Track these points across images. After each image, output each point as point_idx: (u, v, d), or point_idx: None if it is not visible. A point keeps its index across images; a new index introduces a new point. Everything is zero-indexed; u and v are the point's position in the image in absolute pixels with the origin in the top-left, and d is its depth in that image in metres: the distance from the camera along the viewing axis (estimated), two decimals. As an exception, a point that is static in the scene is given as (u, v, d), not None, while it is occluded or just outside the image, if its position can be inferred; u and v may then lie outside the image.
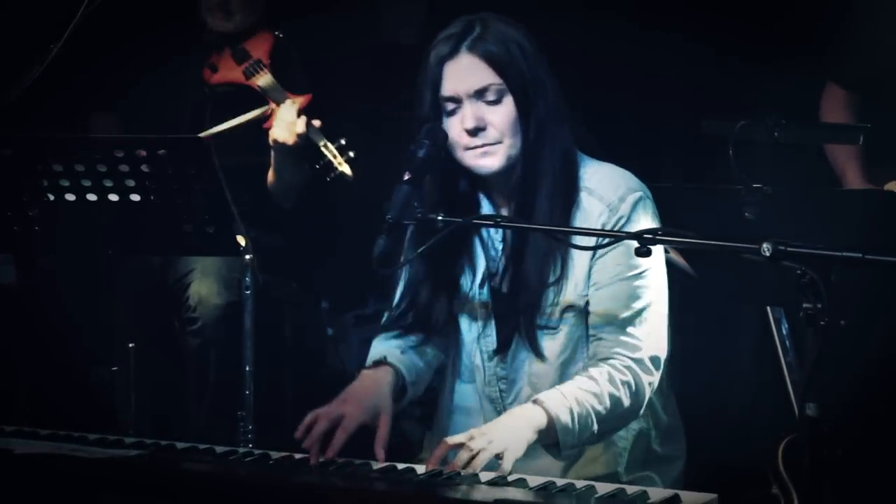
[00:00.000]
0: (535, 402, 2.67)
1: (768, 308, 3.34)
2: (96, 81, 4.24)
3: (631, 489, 2.38)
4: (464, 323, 2.97)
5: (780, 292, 3.02)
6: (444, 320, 2.95)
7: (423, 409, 3.65)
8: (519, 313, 2.85)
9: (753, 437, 3.90)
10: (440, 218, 2.64)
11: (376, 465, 2.59)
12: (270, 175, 4.11)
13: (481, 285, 2.93)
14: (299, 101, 3.99)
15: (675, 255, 3.20)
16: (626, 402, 2.74)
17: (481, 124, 2.79)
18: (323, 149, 3.91)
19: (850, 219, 3.00)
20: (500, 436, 2.56)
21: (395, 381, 2.85)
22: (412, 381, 2.90)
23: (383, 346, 2.95)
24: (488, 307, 2.92)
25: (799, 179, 3.38)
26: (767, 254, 2.27)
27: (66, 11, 3.85)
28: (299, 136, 3.90)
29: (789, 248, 2.25)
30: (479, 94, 2.79)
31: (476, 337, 2.95)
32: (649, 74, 4.47)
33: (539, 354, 2.85)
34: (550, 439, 2.65)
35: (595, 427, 2.70)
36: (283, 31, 4.26)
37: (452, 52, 2.79)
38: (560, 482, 2.45)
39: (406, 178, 2.68)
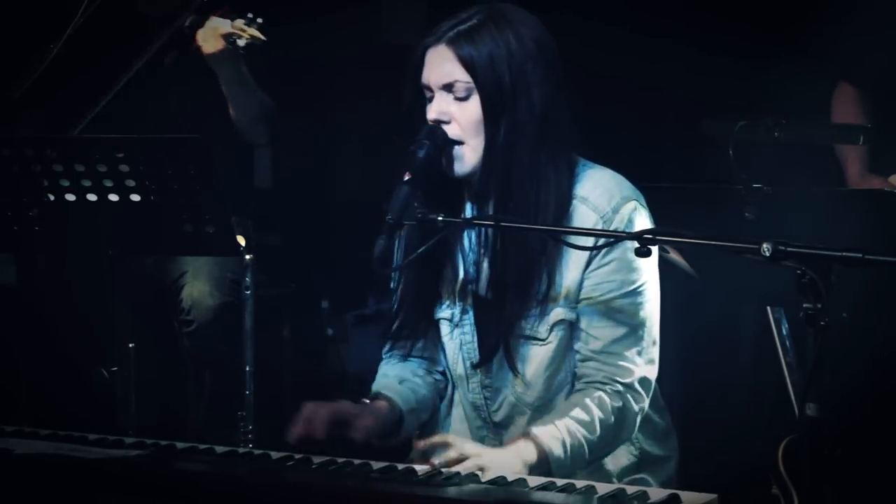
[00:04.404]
0: (527, 436, 2.65)
1: (768, 308, 3.33)
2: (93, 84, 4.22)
3: (631, 489, 2.38)
4: (445, 330, 2.91)
5: (780, 292, 3.02)
6: (430, 330, 2.92)
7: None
8: (502, 323, 2.80)
9: (753, 437, 3.89)
10: (440, 218, 2.62)
11: (376, 465, 2.59)
12: (230, 108, 4.07)
13: (462, 292, 2.87)
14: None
15: (675, 255, 3.20)
16: (617, 428, 2.72)
17: (444, 118, 2.73)
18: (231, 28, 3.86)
19: (851, 219, 2.99)
20: (489, 453, 2.57)
21: (391, 413, 2.82)
22: (409, 409, 2.86)
23: (382, 381, 2.91)
24: (469, 314, 2.87)
25: (799, 179, 3.38)
26: (767, 254, 2.27)
27: (66, 11, 3.86)
28: (224, 35, 3.86)
29: (789, 248, 2.25)
30: (447, 88, 2.74)
31: (459, 345, 2.89)
32: (649, 74, 4.47)
33: (514, 370, 2.80)
34: (542, 470, 2.63)
35: (587, 456, 2.70)
36: (284, 33, 4.23)
37: (436, 41, 2.75)
38: (560, 482, 2.44)
39: (406, 178, 2.66)
